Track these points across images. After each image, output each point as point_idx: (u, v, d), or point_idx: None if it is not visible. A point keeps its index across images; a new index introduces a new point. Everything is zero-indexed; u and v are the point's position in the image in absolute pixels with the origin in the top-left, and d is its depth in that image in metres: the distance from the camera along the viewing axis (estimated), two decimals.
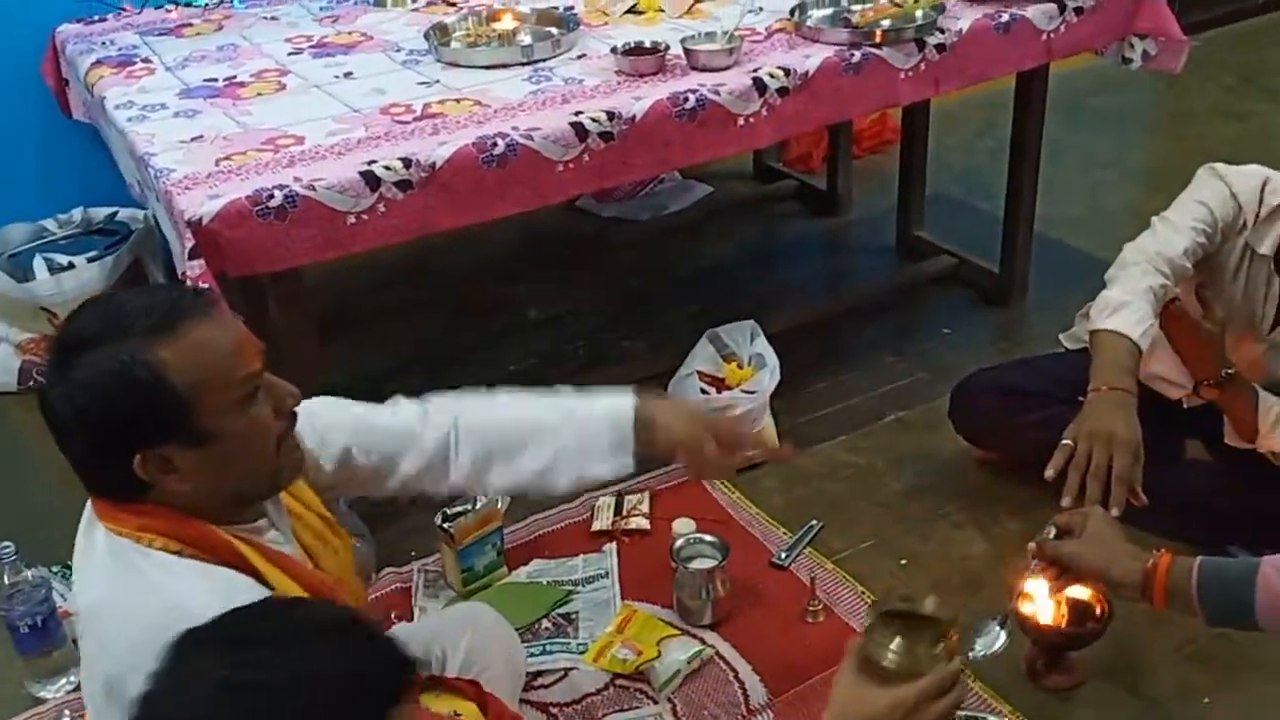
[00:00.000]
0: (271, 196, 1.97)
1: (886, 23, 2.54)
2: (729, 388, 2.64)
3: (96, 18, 2.94)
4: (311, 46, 2.66)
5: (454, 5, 2.86)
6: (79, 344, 1.22)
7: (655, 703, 2.05)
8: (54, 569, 2.26)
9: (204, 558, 1.25)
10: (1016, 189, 3.09)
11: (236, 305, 1.97)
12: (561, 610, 2.25)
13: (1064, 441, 1.94)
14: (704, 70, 2.38)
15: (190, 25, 2.85)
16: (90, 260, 2.93)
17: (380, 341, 3.21)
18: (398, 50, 2.60)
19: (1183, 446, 2.38)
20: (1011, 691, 2.03)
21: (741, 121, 2.34)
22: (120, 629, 1.19)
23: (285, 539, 1.38)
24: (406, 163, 2.06)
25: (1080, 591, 1.98)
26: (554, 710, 2.04)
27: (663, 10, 2.74)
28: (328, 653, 0.96)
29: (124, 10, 2.98)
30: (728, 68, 2.37)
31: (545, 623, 2.22)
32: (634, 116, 2.23)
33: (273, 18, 2.87)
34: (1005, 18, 2.60)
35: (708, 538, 2.24)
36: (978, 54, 2.59)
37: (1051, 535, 1.81)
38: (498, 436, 1.63)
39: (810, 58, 2.41)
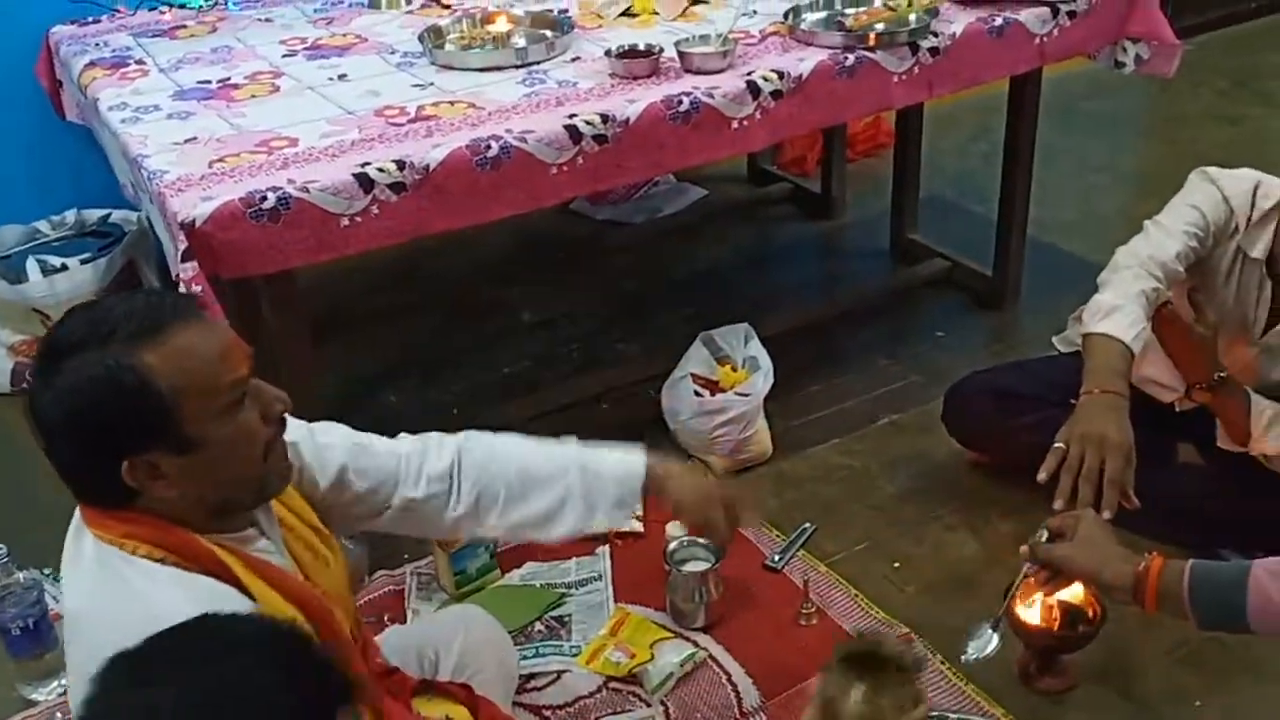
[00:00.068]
0: (265, 198, 1.96)
1: (880, 26, 2.55)
2: (723, 390, 2.65)
3: (90, 19, 2.94)
4: (306, 49, 2.65)
5: (448, 8, 2.86)
6: (65, 349, 1.21)
7: (648, 705, 2.05)
8: (46, 571, 2.26)
9: (187, 566, 1.24)
10: (1010, 192, 3.10)
11: (229, 307, 1.97)
12: (555, 613, 2.25)
13: (1056, 444, 1.94)
14: (698, 73, 2.38)
15: (184, 27, 2.85)
16: (83, 262, 2.93)
17: (374, 344, 3.21)
18: (392, 52, 2.60)
19: (1175, 450, 2.38)
20: (1004, 694, 2.03)
21: (735, 124, 2.35)
22: (102, 635, 1.18)
23: (276, 549, 1.36)
24: (400, 165, 2.06)
25: (1072, 594, 1.99)
26: (547, 713, 2.04)
27: (657, 13, 2.75)
28: (259, 674, 0.95)
29: (118, 12, 2.98)
30: (722, 70, 2.38)
31: (538, 625, 2.22)
32: (628, 119, 2.23)
33: (267, 20, 2.87)
34: (998, 21, 2.61)
35: (701, 540, 2.24)
36: (971, 58, 2.60)
37: (1043, 538, 1.81)
38: (503, 480, 1.61)
39: (804, 61, 2.41)
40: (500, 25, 2.67)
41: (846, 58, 2.44)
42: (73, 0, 2.98)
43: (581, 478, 1.62)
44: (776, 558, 2.35)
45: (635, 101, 2.26)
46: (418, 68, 2.50)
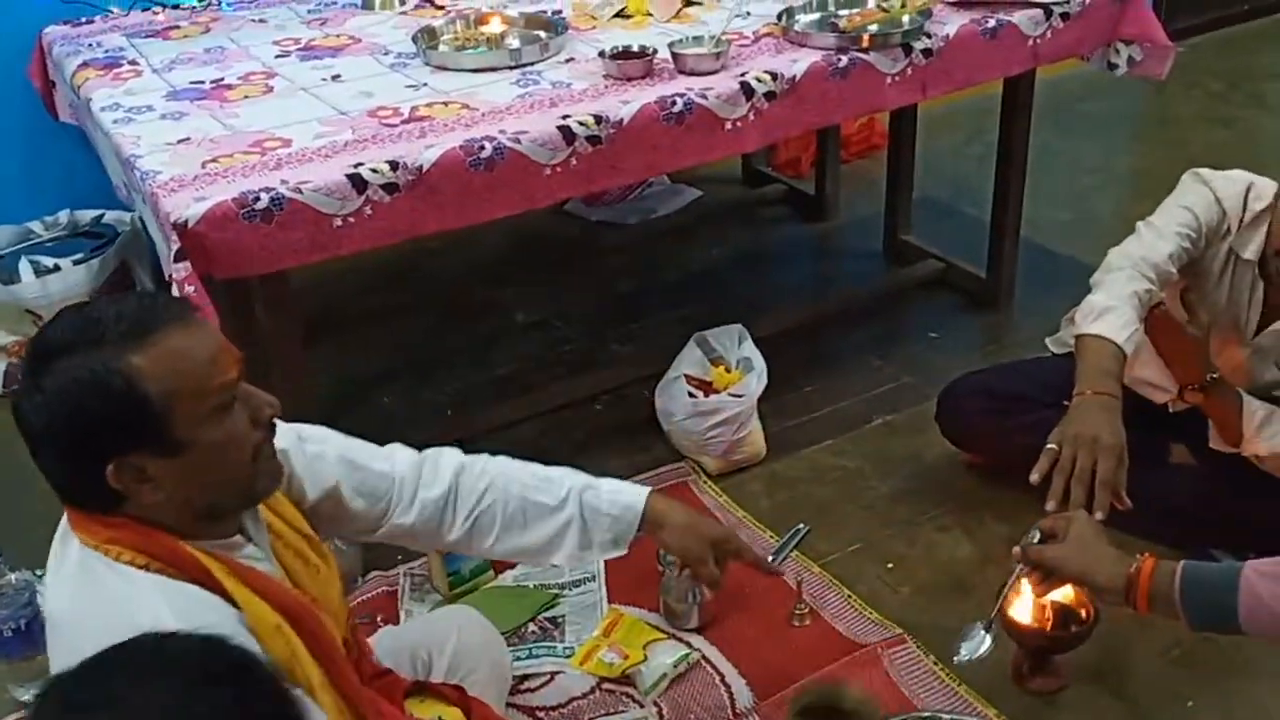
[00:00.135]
0: (258, 199, 1.96)
1: (874, 27, 2.55)
2: (716, 391, 2.65)
3: (84, 19, 2.93)
4: (299, 49, 2.65)
5: (442, 8, 2.85)
6: (53, 351, 1.20)
7: (642, 706, 2.05)
8: (38, 573, 2.25)
9: (171, 574, 1.23)
10: (1003, 194, 3.11)
11: (222, 308, 1.97)
12: (548, 614, 2.25)
13: (1049, 445, 1.94)
14: (691, 74, 2.38)
15: (178, 27, 2.84)
16: (76, 263, 2.92)
17: (367, 345, 3.21)
18: (385, 53, 2.60)
19: (1167, 450, 2.39)
20: (997, 694, 2.03)
21: (729, 125, 2.35)
22: (80, 639, 1.17)
23: (263, 555, 1.35)
24: (393, 165, 2.06)
25: (1065, 595, 1.99)
26: (540, 714, 2.04)
27: (650, 14, 2.75)
28: (196, 698, 0.93)
29: (111, 13, 2.97)
30: (715, 72, 2.38)
31: (532, 626, 2.22)
32: (621, 120, 2.23)
33: (260, 20, 2.87)
34: (992, 23, 2.61)
35: None
36: (964, 59, 2.60)
37: (1035, 539, 1.81)
38: (500, 509, 1.61)
39: (797, 62, 2.41)
40: (494, 26, 2.67)
41: (840, 59, 2.44)
42: (65, 1, 2.97)
43: (579, 513, 1.62)
44: (770, 559, 2.34)
45: (629, 103, 2.26)
46: (411, 68, 2.50)
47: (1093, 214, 3.70)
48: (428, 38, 2.59)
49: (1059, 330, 2.50)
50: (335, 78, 2.47)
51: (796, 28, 2.57)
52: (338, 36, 2.72)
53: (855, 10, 2.67)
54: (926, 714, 1.93)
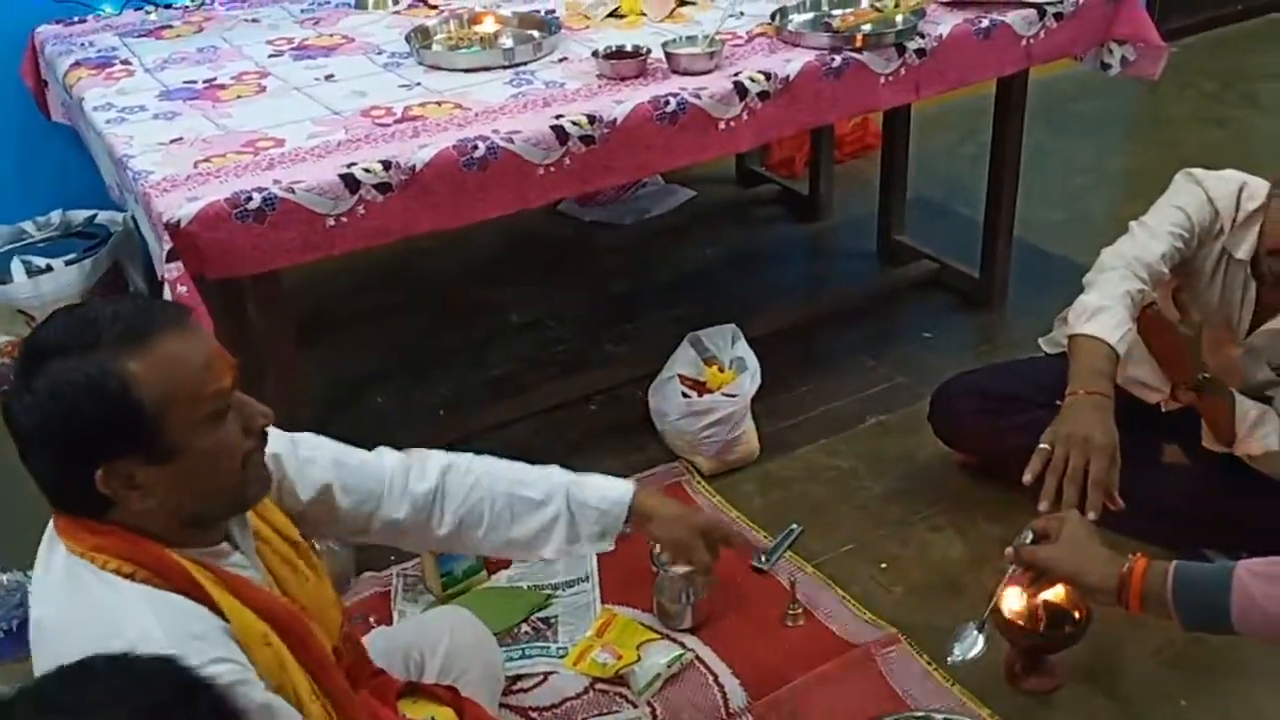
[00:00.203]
0: (250, 199, 1.96)
1: (867, 27, 2.55)
2: (710, 391, 2.65)
3: (76, 19, 2.92)
4: (292, 49, 2.65)
5: (435, 8, 2.85)
6: (47, 352, 1.19)
7: (635, 706, 2.05)
8: (30, 574, 2.24)
9: (157, 583, 1.22)
10: (997, 194, 3.11)
11: (215, 308, 1.97)
12: (541, 614, 2.25)
13: (1041, 445, 1.94)
14: (685, 74, 2.38)
15: (170, 27, 2.84)
16: (69, 263, 2.92)
17: (360, 345, 3.20)
18: (379, 53, 2.60)
19: (1160, 450, 2.39)
20: (990, 694, 2.03)
21: (722, 125, 2.35)
22: (63, 647, 1.17)
23: (249, 563, 1.34)
24: (386, 165, 2.05)
25: (1058, 595, 1.99)
26: (534, 714, 2.04)
27: (644, 14, 2.75)
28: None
29: (104, 12, 2.97)
30: (709, 71, 2.38)
31: (525, 627, 2.22)
32: (615, 120, 2.23)
33: (254, 20, 2.86)
34: (985, 23, 2.61)
35: None
36: (958, 59, 2.60)
37: (1028, 540, 1.81)
38: (488, 504, 1.61)
39: (791, 62, 2.41)
40: (487, 26, 2.67)
41: (833, 59, 2.44)
42: (58, 0, 2.97)
43: (566, 506, 1.63)
44: (764, 559, 2.35)
45: (622, 102, 2.25)
46: (404, 68, 2.50)
47: (1086, 214, 3.71)
48: (421, 37, 2.58)
49: (1052, 330, 2.50)
50: (328, 77, 2.46)
51: (790, 27, 2.57)
52: (331, 36, 2.72)
53: (849, 10, 2.67)
54: (920, 714, 1.93)
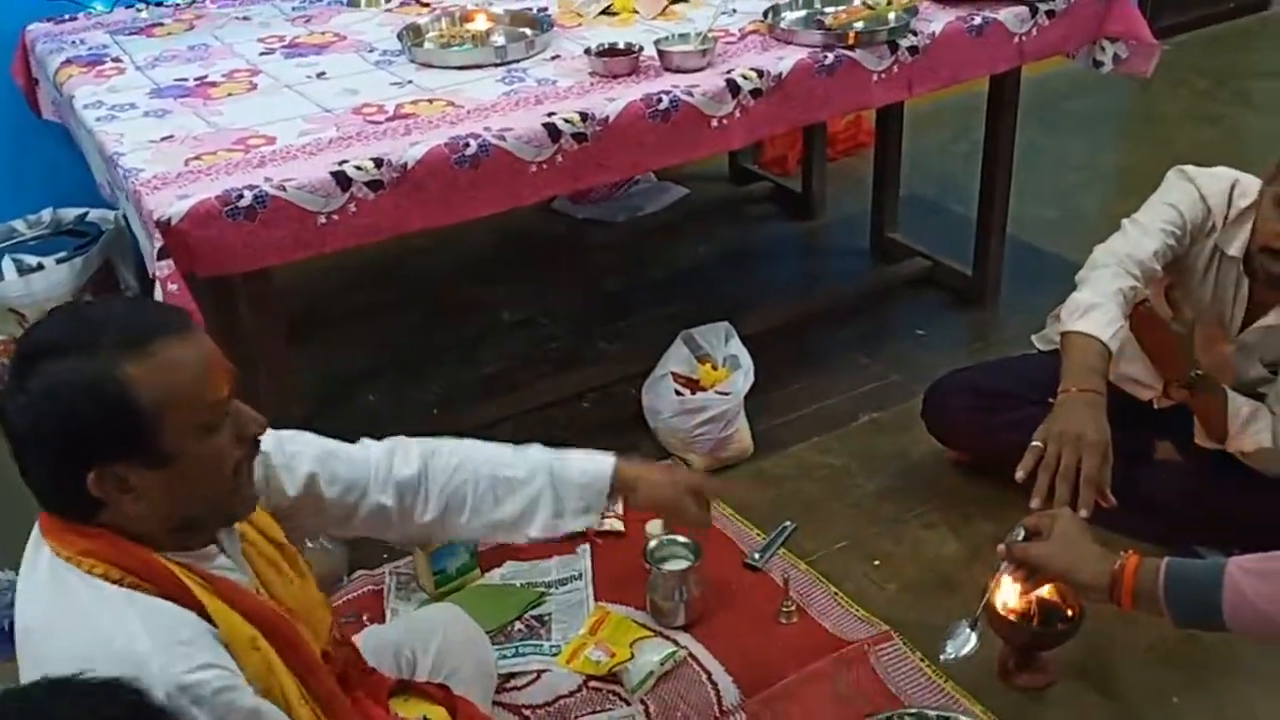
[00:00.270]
0: (241, 196, 1.95)
1: (859, 25, 2.55)
2: (703, 389, 2.65)
3: (67, 17, 2.91)
4: (284, 46, 2.64)
5: (427, 6, 2.85)
6: (45, 352, 1.18)
7: (628, 704, 2.05)
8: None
9: (144, 587, 1.21)
10: (989, 191, 3.11)
11: (206, 306, 1.96)
12: (534, 612, 2.25)
13: (1034, 443, 1.95)
14: (677, 71, 2.38)
15: (161, 25, 2.83)
16: (60, 261, 2.90)
17: (352, 343, 3.20)
18: (371, 51, 2.59)
19: (1152, 447, 2.39)
20: (983, 691, 2.03)
21: (715, 123, 2.34)
22: (48, 652, 1.16)
23: (234, 565, 1.34)
24: (378, 163, 2.05)
25: (1050, 592, 1.99)
26: (527, 712, 2.03)
27: (637, 12, 2.74)
28: None
29: (94, 10, 2.96)
30: (701, 69, 2.38)
31: (518, 624, 2.22)
32: (607, 117, 2.22)
33: (245, 18, 2.86)
34: (978, 20, 2.61)
35: (681, 539, 2.24)
36: (950, 56, 2.60)
37: (1020, 537, 1.82)
38: (471, 485, 1.61)
39: (783, 59, 2.41)
40: (479, 23, 2.67)
41: (826, 56, 2.44)
42: None
43: (549, 482, 1.63)
44: (757, 556, 2.35)
45: (615, 100, 2.25)
46: (396, 66, 2.50)
47: (1078, 211, 3.71)
48: (413, 35, 2.58)
49: (1045, 327, 2.51)
50: (320, 75, 2.46)
51: (782, 25, 2.56)
52: (322, 34, 2.71)
53: (841, 8, 2.67)
54: (913, 710, 1.93)
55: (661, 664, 2.08)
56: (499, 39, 2.62)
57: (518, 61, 2.47)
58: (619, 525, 2.42)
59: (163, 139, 2.18)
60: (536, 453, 1.67)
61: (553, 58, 2.50)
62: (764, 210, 3.86)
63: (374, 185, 2.05)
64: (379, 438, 1.66)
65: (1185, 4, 5.10)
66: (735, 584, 2.29)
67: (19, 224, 3.09)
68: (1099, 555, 1.72)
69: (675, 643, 2.15)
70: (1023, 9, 2.66)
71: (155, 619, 1.18)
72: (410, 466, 1.59)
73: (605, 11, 2.75)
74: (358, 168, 2.04)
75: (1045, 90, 4.08)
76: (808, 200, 3.76)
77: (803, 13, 2.69)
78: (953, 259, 3.29)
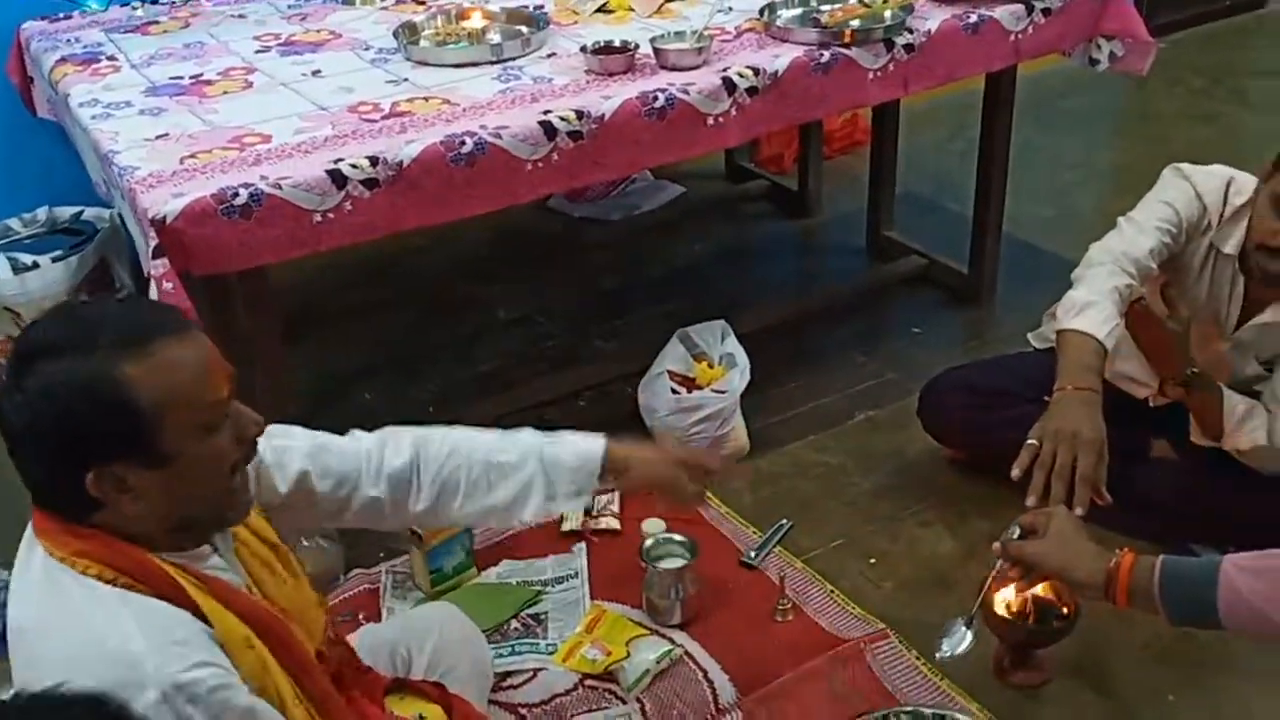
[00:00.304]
0: (236, 195, 1.95)
1: (855, 23, 2.55)
2: (699, 387, 2.64)
3: (62, 15, 2.91)
4: (279, 44, 2.64)
5: (423, 4, 2.84)
6: (43, 351, 1.18)
7: (624, 702, 2.05)
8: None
9: (139, 588, 1.20)
10: (985, 189, 3.11)
11: (201, 304, 1.96)
12: (531, 611, 2.25)
13: (1029, 441, 1.94)
14: (673, 69, 2.37)
15: (157, 23, 2.82)
16: (55, 260, 2.90)
17: (348, 341, 3.20)
18: (366, 48, 2.59)
19: (1148, 445, 2.39)
20: (979, 689, 2.03)
21: (711, 121, 2.34)
22: (42, 653, 1.16)
23: (228, 565, 1.34)
24: (374, 161, 2.05)
25: (1046, 590, 1.99)
26: (523, 711, 2.03)
27: (632, 9, 2.74)
28: None
29: (90, 9, 2.95)
30: (697, 67, 2.37)
31: (514, 623, 2.22)
32: (603, 115, 2.22)
33: (240, 16, 2.85)
34: (973, 18, 2.61)
35: (677, 537, 2.24)
36: (946, 54, 2.60)
37: (1015, 535, 1.81)
38: (464, 472, 1.61)
39: (779, 57, 2.41)
40: (475, 21, 2.66)
41: (822, 54, 2.44)
42: None
43: (541, 467, 1.63)
44: (753, 554, 2.35)
45: (610, 98, 2.25)
46: (392, 64, 2.49)
47: (1074, 209, 3.71)
48: (409, 33, 2.58)
49: (1040, 325, 2.51)
50: (315, 73, 2.46)
51: (778, 23, 2.56)
52: (318, 32, 2.71)
53: (837, 6, 2.67)
54: (909, 709, 1.93)
55: (657, 662, 2.08)
56: (495, 37, 2.62)
57: (513, 59, 2.47)
58: (615, 524, 2.42)
59: (158, 137, 2.17)
60: (528, 437, 1.66)
61: (549, 56, 2.50)
62: (760, 208, 3.86)
63: (369, 183, 2.05)
64: None
65: (1181, 2, 5.10)
66: (731, 582, 2.29)
67: (14, 222, 3.09)
68: (1094, 553, 1.72)
69: (671, 641, 2.14)
70: (1019, 7, 2.66)
71: (150, 619, 1.18)
72: (402, 456, 1.59)
73: (601, 9, 2.75)
74: (353, 166, 2.03)
75: (1041, 88, 4.08)
76: (804, 198, 3.76)
77: (798, 10, 2.69)
78: (949, 257, 3.29)
